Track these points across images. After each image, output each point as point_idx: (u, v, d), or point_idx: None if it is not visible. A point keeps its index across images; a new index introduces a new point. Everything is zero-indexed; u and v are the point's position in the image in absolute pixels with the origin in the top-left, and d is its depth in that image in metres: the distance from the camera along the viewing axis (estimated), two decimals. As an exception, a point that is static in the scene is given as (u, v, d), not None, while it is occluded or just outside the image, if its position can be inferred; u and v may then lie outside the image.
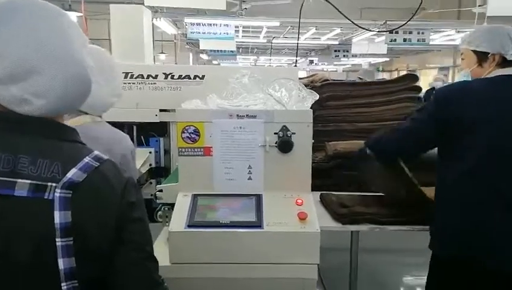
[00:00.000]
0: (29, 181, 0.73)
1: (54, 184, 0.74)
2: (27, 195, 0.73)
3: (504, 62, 1.55)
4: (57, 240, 0.72)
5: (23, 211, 0.73)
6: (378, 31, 6.09)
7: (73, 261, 0.74)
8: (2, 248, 0.72)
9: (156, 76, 2.00)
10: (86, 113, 1.34)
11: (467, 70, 1.65)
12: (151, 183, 2.07)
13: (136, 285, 0.83)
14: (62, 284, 0.74)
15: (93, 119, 1.36)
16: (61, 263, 0.73)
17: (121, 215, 0.80)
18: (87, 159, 0.79)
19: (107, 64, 1.37)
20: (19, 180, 0.73)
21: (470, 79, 1.66)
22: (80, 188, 0.75)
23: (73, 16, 8.84)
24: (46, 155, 0.76)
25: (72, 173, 0.75)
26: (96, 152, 0.82)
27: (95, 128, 1.32)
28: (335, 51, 11.32)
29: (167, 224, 1.61)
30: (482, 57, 1.58)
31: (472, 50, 1.60)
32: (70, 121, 1.26)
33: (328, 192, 1.95)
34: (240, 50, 14.88)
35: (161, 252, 1.48)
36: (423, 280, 1.70)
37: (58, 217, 0.73)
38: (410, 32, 7.02)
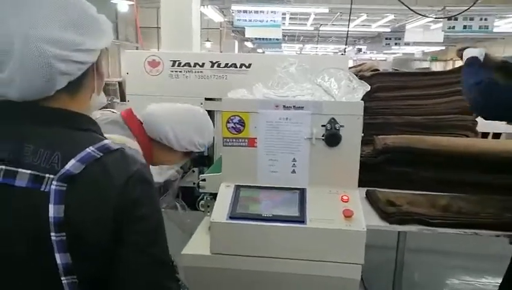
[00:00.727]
0: (29, 171, 0.70)
1: (51, 176, 0.70)
2: (26, 186, 0.70)
3: None
4: (51, 234, 0.69)
5: (22, 202, 0.71)
6: (435, 18, 5.72)
7: (69, 257, 0.71)
8: (1, 239, 0.70)
9: (203, 64, 1.99)
10: None
11: None
12: (193, 171, 2.09)
13: (137, 288, 0.76)
14: (62, 278, 0.71)
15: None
16: (58, 258, 0.70)
17: (120, 212, 0.73)
18: (89, 149, 0.73)
19: None
20: (20, 170, 0.70)
21: None
22: (76, 181, 0.70)
23: (124, 4, 9.14)
24: (49, 145, 0.73)
25: (71, 165, 0.71)
26: (106, 141, 0.76)
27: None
28: (386, 38, 10.84)
29: (208, 214, 1.62)
30: None
31: None
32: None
33: (374, 188, 1.86)
34: (286, 38, 14.71)
35: (202, 241, 1.50)
36: (469, 284, 1.58)
37: (52, 210, 0.69)
38: (472, 19, 6.50)
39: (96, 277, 0.75)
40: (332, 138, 1.48)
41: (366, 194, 1.84)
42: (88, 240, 0.72)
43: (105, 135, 0.84)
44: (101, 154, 0.74)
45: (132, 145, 1.29)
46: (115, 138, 1.21)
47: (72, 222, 0.70)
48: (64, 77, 0.75)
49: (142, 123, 1.44)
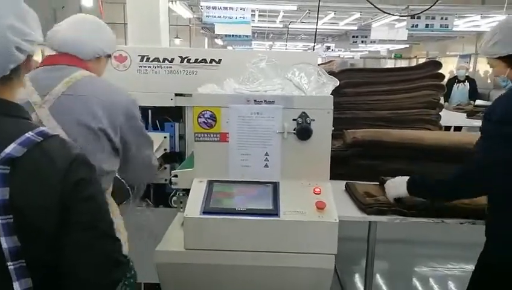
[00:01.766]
0: None
1: None
2: None
3: None
4: None
5: None
6: (400, 16, 5.91)
7: (17, 240, 0.72)
8: None
9: (172, 60, 1.96)
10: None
11: (502, 76, 1.54)
12: (165, 168, 2.06)
13: (90, 265, 0.80)
14: (8, 263, 0.72)
15: (84, 74, 1.33)
16: (4, 242, 0.71)
17: (65, 195, 0.77)
18: (29, 134, 0.76)
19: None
20: None
21: (509, 82, 1.54)
22: (19, 164, 0.73)
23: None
24: None
25: (11, 148, 0.73)
26: (42, 128, 0.80)
27: (89, 84, 1.32)
28: (353, 36, 11.08)
29: (181, 210, 1.60)
30: (509, 60, 1.49)
31: (496, 58, 1.51)
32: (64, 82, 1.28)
33: (354, 181, 1.90)
34: (256, 35, 14.72)
35: (175, 237, 1.48)
36: (437, 271, 1.65)
37: None
38: (433, 18, 6.77)
39: (45, 261, 0.77)
40: (303, 131, 1.50)
41: (345, 186, 1.88)
42: (35, 223, 0.74)
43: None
44: (41, 138, 0.77)
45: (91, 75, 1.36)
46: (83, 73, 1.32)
47: (17, 205, 0.72)
48: (12, 63, 0.79)
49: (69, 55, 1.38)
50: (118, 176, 1.58)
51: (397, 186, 1.63)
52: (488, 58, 1.55)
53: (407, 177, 1.62)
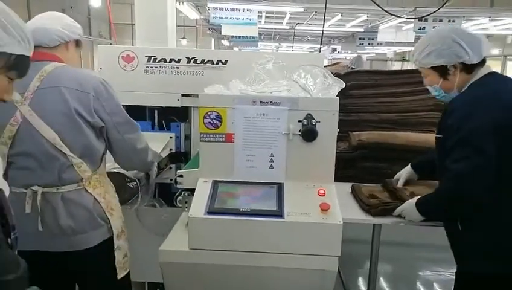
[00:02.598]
0: None
1: None
2: None
3: (467, 67, 1.47)
4: None
5: None
6: (407, 18, 5.89)
7: None
8: None
9: (179, 60, 1.97)
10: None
11: (434, 86, 1.55)
12: (170, 168, 2.07)
13: None
14: None
15: (56, 66, 1.41)
16: None
17: None
18: None
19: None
20: None
21: (442, 93, 1.55)
22: None
23: (97, 0, 8.91)
24: None
25: None
26: None
27: (60, 73, 1.39)
28: (360, 38, 11.05)
29: (186, 209, 1.61)
30: (442, 70, 1.50)
31: (429, 68, 1.52)
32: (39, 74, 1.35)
33: (359, 183, 1.90)
34: (262, 36, 14.75)
35: (180, 237, 1.49)
36: (441, 275, 1.64)
37: None
38: (441, 20, 6.73)
39: None
40: (309, 133, 1.50)
41: (351, 189, 1.87)
42: None
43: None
44: None
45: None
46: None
47: None
48: None
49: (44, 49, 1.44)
50: (119, 171, 1.64)
51: (412, 215, 1.57)
52: (421, 68, 1.56)
53: (414, 203, 1.57)
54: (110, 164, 1.64)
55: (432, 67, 1.51)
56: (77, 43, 1.53)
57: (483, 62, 1.49)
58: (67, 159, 1.38)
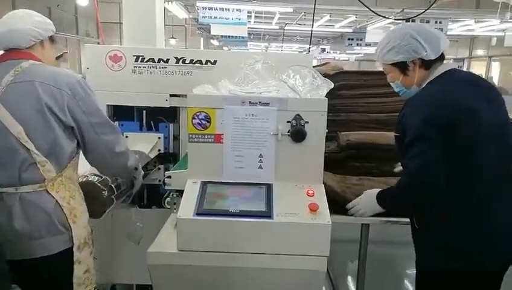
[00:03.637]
0: None
1: None
2: None
3: (425, 63, 1.51)
4: None
5: None
6: (395, 19, 5.95)
7: None
8: None
9: (167, 60, 1.96)
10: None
11: (396, 82, 1.59)
12: (159, 169, 2.05)
13: None
14: None
15: (32, 63, 1.39)
16: None
17: None
18: None
19: None
20: None
21: (403, 89, 1.59)
22: None
23: (84, -2, 8.81)
24: None
25: None
26: None
27: (35, 70, 1.38)
28: (348, 39, 11.15)
29: (175, 211, 1.60)
30: (402, 66, 1.53)
31: (390, 64, 1.55)
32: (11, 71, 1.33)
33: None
34: (251, 36, 14.76)
35: (168, 238, 1.48)
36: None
37: None
38: (428, 22, 6.84)
39: None
40: (297, 133, 1.51)
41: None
42: None
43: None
44: None
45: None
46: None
47: None
48: None
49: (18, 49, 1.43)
50: (92, 180, 1.53)
51: (370, 205, 1.66)
52: (383, 64, 1.60)
53: (375, 194, 1.64)
54: (86, 170, 1.57)
55: (393, 64, 1.54)
56: (51, 39, 1.52)
57: (441, 58, 1.52)
58: (31, 156, 1.31)
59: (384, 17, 5.06)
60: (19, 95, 1.32)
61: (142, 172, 1.72)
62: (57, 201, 1.35)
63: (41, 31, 1.45)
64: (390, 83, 1.64)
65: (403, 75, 1.55)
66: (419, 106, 1.45)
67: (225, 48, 15.64)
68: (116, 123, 2.04)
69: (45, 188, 1.34)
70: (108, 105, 2.01)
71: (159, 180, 2.01)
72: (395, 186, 1.58)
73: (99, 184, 1.53)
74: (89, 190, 1.50)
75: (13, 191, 1.31)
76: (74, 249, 1.38)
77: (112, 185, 1.57)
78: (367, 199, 1.67)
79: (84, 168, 1.58)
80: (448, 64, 1.53)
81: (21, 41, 1.40)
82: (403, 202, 1.57)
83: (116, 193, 1.58)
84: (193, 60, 1.96)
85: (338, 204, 1.72)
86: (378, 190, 1.66)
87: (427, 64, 1.51)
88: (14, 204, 1.31)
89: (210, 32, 10.23)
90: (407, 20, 6.38)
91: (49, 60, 1.49)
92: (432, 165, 1.41)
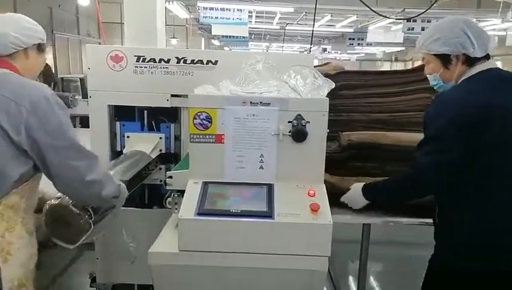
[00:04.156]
0: None
1: None
2: None
3: (469, 59, 1.46)
4: None
5: None
6: (396, 19, 5.95)
7: None
8: None
9: (168, 60, 1.96)
10: None
11: (434, 74, 1.55)
12: (160, 169, 2.05)
13: None
14: None
15: (3, 72, 1.28)
16: None
17: None
18: None
19: None
20: None
21: (440, 82, 1.56)
22: None
23: (86, -2, 8.83)
24: None
25: None
26: None
27: (2, 80, 1.25)
28: (349, 39, 11.14)
29: (176, 211, 1.60)
30: (445, 59, 1.49)
31: (433, 54, 1.51)
32: None
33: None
34: (252, 36, 14.75)
35: (169, 238, 1.48)
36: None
37: None
38: (429, 21, 6.83)
39: None
40: (299, 133, 1.51)
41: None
42: None
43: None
44: None
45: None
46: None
47: None
48: None
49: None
50: (67, 202, 1.33)
51: (357, 199, 1.69)
52: (425, 53, 1.55)
53: (361, 187, 1.69)
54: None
55: (436, 55, 1.50)
56: (39, 47, 1.39)
57: (485, 58, 1.48)
58: None
59: (385, 16, 5.06)
60: None
61: (124, 196, 1.51)
62: None
63: (25, 38, 1.32)
64: (427, 75, 1.59)
65: (443, 68, 1.50)
66: (443, 104, 1.44)
67: (226, 48, 15.64)
68: (118, 124, 2.05)
69: None
70: (109, 105, 2.01)
71: (160, 180, 2.01)
72: (392, 179, 1.61)
73: (72, 207, 1.31)
74: (60, 215, 1.31)
75: None
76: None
77: (88, 208, 1.36)
78: (353, 192, 1.71)
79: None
80: (489, 63, 1.48)
81: (0, 47, 1.29)
82: (400, 193, 1.59)
83: (93, 217, 1.36)
84: (194, 60, 1.96)
85: (335, 197, 1.73)
86: (362, 183, 1.69)
87: (470, 62, 1.46)
88: None
89: (211, 32, 10.23)
90: (408, 20, 6.38)
91: (32, 71, 1.37)
92: (443, 166, 1.41)
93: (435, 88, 1.62)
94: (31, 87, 1.26)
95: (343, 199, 1.75)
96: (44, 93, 1.26)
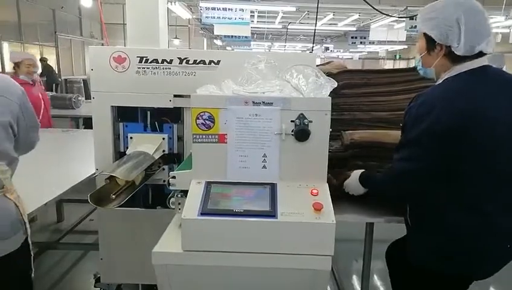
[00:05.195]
0: None
1: None
2: None
3: (451, 54, 1.38)
4: None
5: None
6: (398, 17, 5.93)
7: None
8: None
9: (171, 61, 1.96)
10: None
11: (418, 56, 1.51)
12: (163, 169, 2.06)
13: None
14: None
15: None
16: None
17: None
18: None
19: None
20: None
21: (420, 65, 1.51)
22: None
23: (87, 0, 8.86)
24: None
25: None
26: None
27: None
28: (352, 37, 11.12)
29: (179, 211, 1.60)
30: (430, 43, 1.42)
31: (423, 33, 1.43)
32: None
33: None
34: (255, 36, 14.75)
35: (173, 238, 1.48)
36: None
37: None
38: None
39: None
40: (301, 133, 1.51)
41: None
42: None
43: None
44: None
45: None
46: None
47: None
48: None
49: None
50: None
51: (355, 186, 1.72)
52: (419, 29, 1.49)
53: (358, 174, 1.72)
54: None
55: (425, 34, 1.44)
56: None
57: (472, 57, 1.39)
58: None
59: (388, 15, 5.05)
60: None
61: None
62: (14, 203, 1.52)
63: None
64: (416, 54, 1.55)
65: (426, 52, 1.45)
66: (422, 107, 1.38)
67: (228, 48, 15.65)
68: (121, 124, 2.06)
69: (4, 194, 1.48)
70: (112, 106, 2.02)
71: (164, 181, 2.02)
72: (381, 175, 1.64)
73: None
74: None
75: None
76: (28, 238, 1.57)
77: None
78: (352, 180, 1.75)
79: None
80: (478, 61, 1.39)
81: None
82: (385, 192, 1.65)
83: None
84: (196, 60, 1.96)
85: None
86: (362, 170, 1.72)
87: (452, 57, 1.39)
88: None
89: (213, 32, 10.24)
90: (411, 18, 6.36)
91: None
92: (417, 173, 1.42)
93: (416, 69, 1.58)
94: (13, 84, 1.55)
95: (344, 185, 1.77)
96: (21, 88, 1.56)
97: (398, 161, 1.46)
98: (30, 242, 1.56)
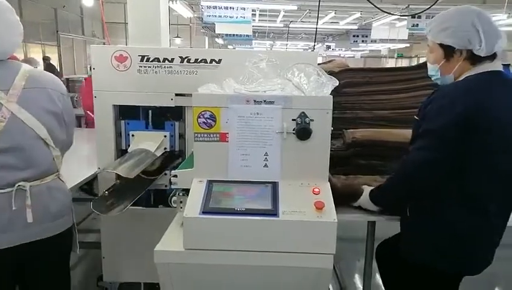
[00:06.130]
0: None
1: None
2: None
3: (473, 57, 1.42)
4: None
5: None
6: (401, 15, 5.91)
7: None
8: None
9: (172, 60, 1.97)
10: None
11: (435, 65, 1.52)
12: (165, 174, 2.05)
13: None
14: None
15: (29, 68, 1.52)
16: None
17: None
18: None
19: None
20: None
21: (438, 74, 1.53)
22: None
23: (90, -1, 8.87)
24: None
25: None
26: None
27: (42, 77, 1.54)
28: (353, 36, 11.10)
29: (181, 209, 1.60)
30: (449, 51, 1.45)
31: (438, 43, 1.47)
32: None
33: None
34: (256, 34, 14.73)
35: (175, 237, 1.49)
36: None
37: None
38: (434, 17, 6.78)
39: None
40: (303, 131, 1.51)
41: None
42: None
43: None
44: None
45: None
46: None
47: None
48: None
49: None
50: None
51: (368, 205, 1.69)
52: (431, 40, 1.51)
53: (368, 192, 1.68)
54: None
55: (440, 45, 1.46)
56: None
57: (492, 57, 1.44)
58: (51, 153, 1.51)
59: (389, 13, 5.02)
60: (36, 99, 1.47)
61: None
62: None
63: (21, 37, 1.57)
64: (428, 64, 1.56)
65: (445, 60, 1.47)
66: (443, 100, 1.40)
67: (230, 47, 15.63)
68: (122, 122, 2.07)
69: (58, 177, 1.58)
70: (114, 105, 2.03)
71: (166, 185, 2.04)
72: (388, 178, 1.61)
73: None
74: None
75: (39, 183, 1.48)
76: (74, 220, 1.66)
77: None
78: (364, 198, 1.70)
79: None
80: (494, 65, 1.45)
81: (9, 49, 1.49)
82: (395, 191, 1.59)
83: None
84: (198, 59, 1.96)
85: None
86: (371, 188, 1.68)
87: (473, 59, 1.43)
88: (44, 193, 1.49)
89: (215, 31, 10.24)
90: (413, 16, 6.34)
91: None
92: (436, 163, 1.41)
93: (432, 78, 1.59)
94: (58, 81, 1.63)
95: (357, 204, 1.72)
96: (63, 85, 1.66)
97: (416, 150, 1.45)
98: (75, 222, 1.66)
